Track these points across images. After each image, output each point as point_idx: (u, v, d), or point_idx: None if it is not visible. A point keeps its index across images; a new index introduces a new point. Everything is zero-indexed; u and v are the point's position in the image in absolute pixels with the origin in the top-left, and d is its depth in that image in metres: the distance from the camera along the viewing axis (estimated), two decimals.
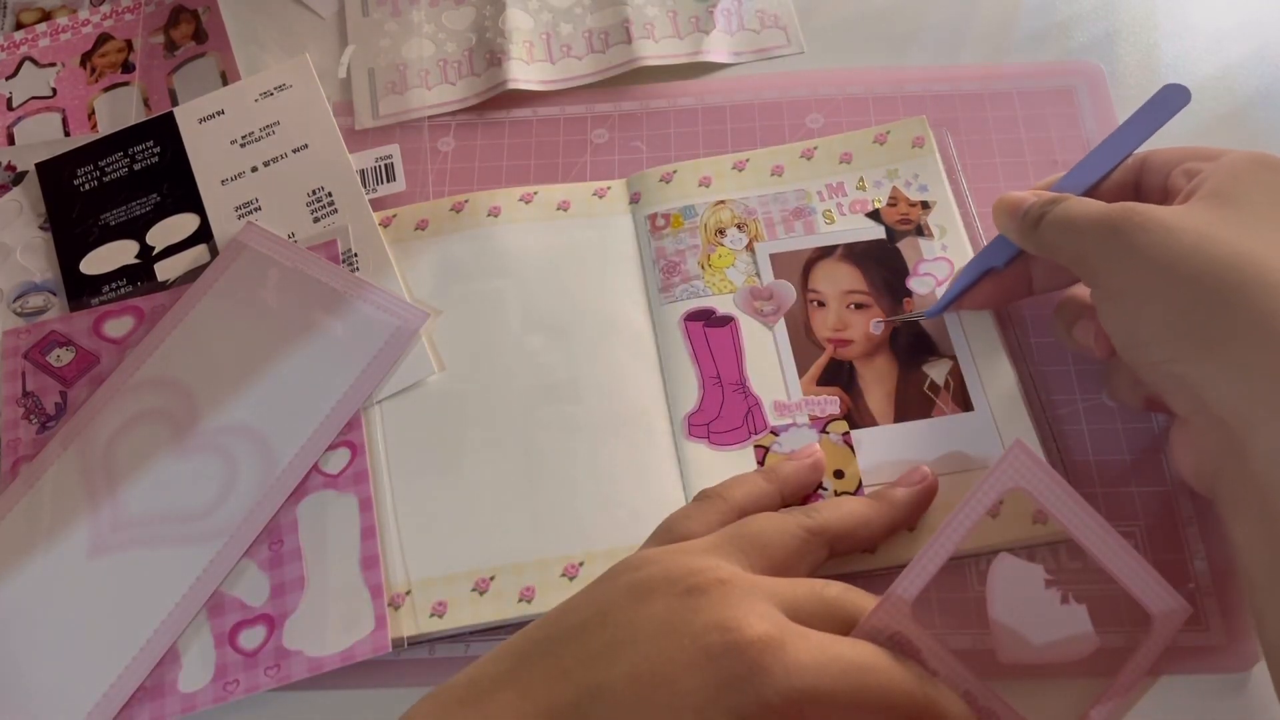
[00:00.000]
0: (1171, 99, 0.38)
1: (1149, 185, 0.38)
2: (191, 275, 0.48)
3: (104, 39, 0.58)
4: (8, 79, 0.57)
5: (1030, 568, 0.35)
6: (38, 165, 0.52)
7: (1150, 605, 0.32)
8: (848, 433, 0.41)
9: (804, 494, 0.39)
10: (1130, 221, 0.33)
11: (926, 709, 0.29)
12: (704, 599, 0.29)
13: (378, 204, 0.50)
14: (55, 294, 0.49)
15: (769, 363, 0.43)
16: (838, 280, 0.45)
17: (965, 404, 0.41)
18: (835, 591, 0.32)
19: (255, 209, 0.50)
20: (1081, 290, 0.39)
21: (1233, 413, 0.30)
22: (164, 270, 0.49)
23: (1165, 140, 0.38)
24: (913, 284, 0.44)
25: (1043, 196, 0.37)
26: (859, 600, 0.32)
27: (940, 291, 0.43)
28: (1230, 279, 0.30)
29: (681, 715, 0.27)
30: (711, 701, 0.27)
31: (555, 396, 0.44)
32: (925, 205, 0.46)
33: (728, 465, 0.41)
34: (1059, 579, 0.35)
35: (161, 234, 0.50)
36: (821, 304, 0.44)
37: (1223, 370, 0.30)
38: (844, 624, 0.31)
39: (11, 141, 0.55)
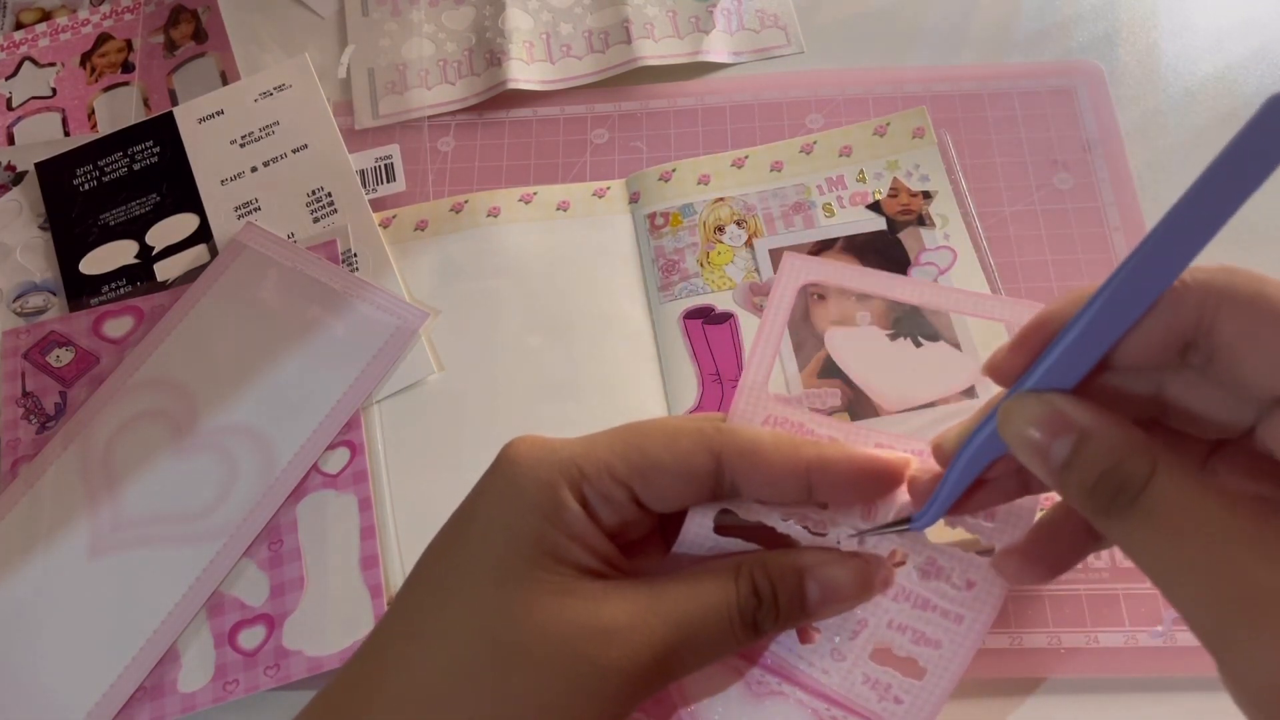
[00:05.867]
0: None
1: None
2: (191, 275, 0.48)
3: (104, 39, 0.58)
4: (8, 79, 0.57)
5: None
6: (37, 165, 0.52)
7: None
8: None
9: None
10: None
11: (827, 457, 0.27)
12: None
13: (377, 204, 0.50)
14: (55, 294, 0.49)
15: None
16: None
17: (969, 391, 0.41)
18: None
19: (255, 209, 0.50)
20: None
21: None
22: (164, 270, 0.49)
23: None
24: (914, 273, 0.44)
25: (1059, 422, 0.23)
26: None
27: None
28: None
29: None
30: None
31: (555, 395, 0.44)
32: (927, 195, 0.46)
33: None
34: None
35: (161, 234, 0.50)
36: (821, 297, 0.44)
37: None
38: None
39: (11, 141, 0.55)
